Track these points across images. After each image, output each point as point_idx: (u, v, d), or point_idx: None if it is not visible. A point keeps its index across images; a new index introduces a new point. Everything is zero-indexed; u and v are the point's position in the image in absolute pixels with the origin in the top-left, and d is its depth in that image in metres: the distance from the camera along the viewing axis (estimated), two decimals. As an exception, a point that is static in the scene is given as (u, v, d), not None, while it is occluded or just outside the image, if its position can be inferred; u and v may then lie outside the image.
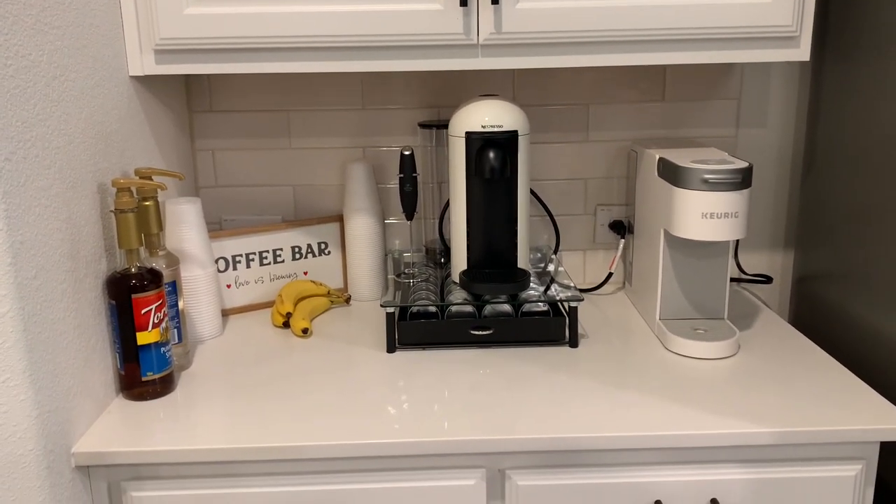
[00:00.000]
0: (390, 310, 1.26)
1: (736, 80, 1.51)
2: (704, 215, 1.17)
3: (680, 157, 1.23)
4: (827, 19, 1.37)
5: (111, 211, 1.11)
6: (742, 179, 1.16)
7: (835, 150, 1.36)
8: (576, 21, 1.16)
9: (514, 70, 1.49)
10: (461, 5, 1.14)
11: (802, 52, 1.20)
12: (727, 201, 1.16)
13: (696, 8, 1.16)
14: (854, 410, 1.04)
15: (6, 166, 0.86)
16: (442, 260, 1.50)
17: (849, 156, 1.32)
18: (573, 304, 1.26)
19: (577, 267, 1.59)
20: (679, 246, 1.27)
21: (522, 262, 1.33)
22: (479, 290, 1.28)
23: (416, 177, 1.35)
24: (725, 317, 1.30)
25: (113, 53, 1.14)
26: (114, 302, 1.08)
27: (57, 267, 0.96)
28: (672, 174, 1.21)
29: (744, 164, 1.17)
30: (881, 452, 1.05)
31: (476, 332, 1.27)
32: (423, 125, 1.47)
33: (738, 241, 1.52)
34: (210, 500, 1.02)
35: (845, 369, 1.17)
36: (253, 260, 1.45)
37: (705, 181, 1.16)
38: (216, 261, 1.40)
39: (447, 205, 1.49)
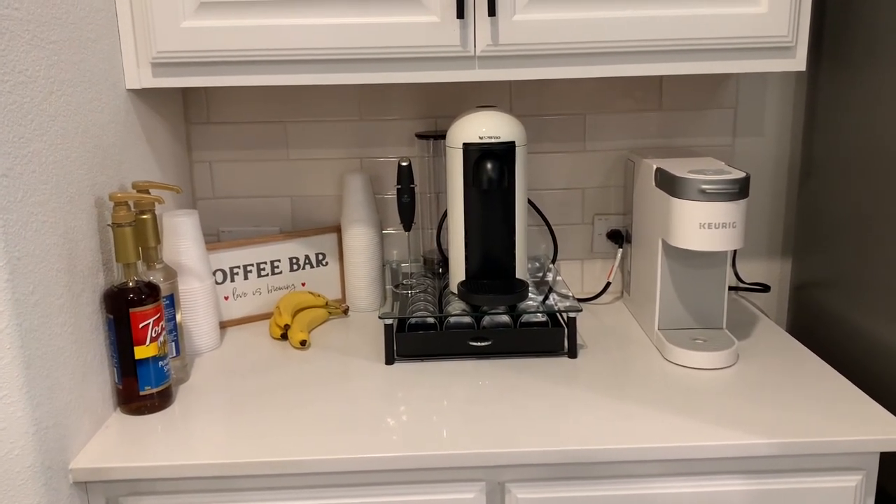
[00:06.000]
0: (388, 321, 1.26)
1: (732, 90, 1.51)
2: (702, 225, 1.17)
3: (677, 167, 1.23)
4: (822, 29, 1.37)
5: (108, 225, 1.11)
6: (739, 190, 1.16)
7: (831, 158, 1.37)
8: (572, 32, 1.16)
9: (510, 81, 1.49)
10: (458, 17, 1.14)
11: (798, 62, 1.20)
12: (725, 211, 1.16)
13: (691, 19, 1.17)
14: (853, 420, 1.04)
15: (3, 182, 0.86)
16: (440, 270, 1.50)
17: (845, 164, 1.32)
18: (572, 314, 1.26)
19: (575, 276, 1.59)
20: (677, 255, 1.27)
21: (521, 272, 1.33)
22: (478, 301, 1.28)
23: (413, 187, 1.35)
24: (724, 326, 1.30)
25: (110, 67, 1.14)
26: (112, 316, 1.07)
27: (54, 282, 0.96)
28: (669, 184, 1.21)
29: (741, 175, 1.17)
30: (881, 463, 1.04)
31: (475, 344, 1.27)
32: (420, 136, 1.47)
33: (735, 250, 1.53)
34: (209, 515, 1.01)
35: (844, 379, 1.17)
36: (251, 271, 1.45)
37: (703, 191, 1.16)
38: (214, 273, 1.40)
39: (445, 215, 1.49)
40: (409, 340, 1.27)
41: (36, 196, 0.93)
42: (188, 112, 1.50)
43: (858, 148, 1.28)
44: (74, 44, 1.04)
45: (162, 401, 1.12)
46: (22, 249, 0.89)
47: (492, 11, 1.14)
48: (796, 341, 1.32)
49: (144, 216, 1.13)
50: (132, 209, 1.10)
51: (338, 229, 1.52)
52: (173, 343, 1.19)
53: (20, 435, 0.89)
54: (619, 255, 1.51)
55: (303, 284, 1.50)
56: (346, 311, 1.49)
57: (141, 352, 1.08)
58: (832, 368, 1.21)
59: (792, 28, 1.17)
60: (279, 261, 1.47)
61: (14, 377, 0.88)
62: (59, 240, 0.97)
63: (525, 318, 1.30)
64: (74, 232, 1.02)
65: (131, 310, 1.07)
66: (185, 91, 1.49)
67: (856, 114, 1.28)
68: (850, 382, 1.16)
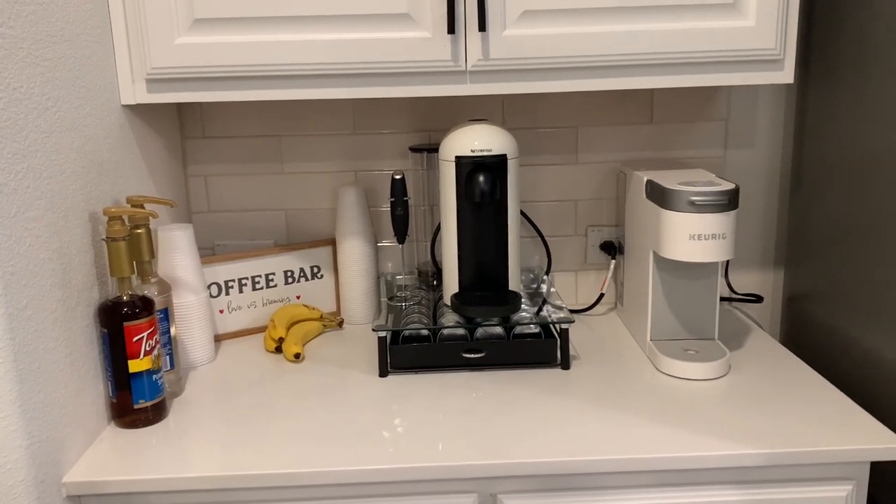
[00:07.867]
0: (382, 334, 1.27)
1: (723, 102, 1.52)
2: (692, 237, 1.18)
3: (667, 179, 1.24)
4: (810, 42, 1.39)
5: (103, 239, 1.11)
6: (728, 201, 1.17)
7: (821, 169, 1.38)
8: (562, 47, 1.18)
9: (503, 95, 1.51)
10: (449, 33, 1.15)
11: (786, 74, 1.22)
12: (714, 223, 1.17)
13: (681, 33, 1.18)
14: (845, 430, 1.05)
15: (-3, 198, 0.87)
16: (434, 282, 1.51)
17: (835, 175, 1.33)
18: (564, 325, 1.27)
19: (569, 287, 1.60)
20: (668, 267, 1.28)
21: (514, 283, 1.34)
22: (471, 313, 1.29)
23: (407, 200, 1.36)
24: (716, 337, 1.31)
25: (105, 83, 1.16)
26: (105, 330, 1.08)
27: (48, 296, 0.97)
28: (659, 196, 1.22)
29: (730, 186, 1.18)
30: (872, 472, 1.05)
31: (468, 355, 1.28)
32: (413, 149, 1.48)
33: (727, 260, 1.53)
34: (202, 529, 1.01)
35: (836, 389, 1.18)
36: (245, 285, 1.45)
37: (692, 203, 1.17)
38: (209, 286, 1.40)
39: (439, 228, 1.50)
40: (404, 353, 1.28)
41: (30, 212, 0.93)
42: (183, 127, 1.51)
43: (847, 159, 1.29)
44: (69, 61, 1.05)
45: (156, 414, 1.12)
46: (15, 265, 0.90)
47: (482, 27, 1.15)
48: (788, 352, 1.33)
49: (139, 230, 1.14)
50: (126, 223, 1.11)
51: (332, 242, 1.53)
52: (168, 356, 1.20)
53: (13, 449, 0.90)
54: (612, 266, 1.52)
55: (297, 297, 1.51)
56: (340, 324, 1.50)
57: (135, 365, 1.09)
58: (824, 379, 1.22)
59: (779, 41, 1.19)
60: (274, 274, 1.48)
61: (7, 391, 0.88)
62: (53, 255, 0.98)
63: (518, 329, 1.31)
64: (69, 247, 1.02)
65: (125, 323, 1.07)
66: (181, 106, 1.50)
67: (844, 125, 1.29)
68: (841, 393, 1.16)
